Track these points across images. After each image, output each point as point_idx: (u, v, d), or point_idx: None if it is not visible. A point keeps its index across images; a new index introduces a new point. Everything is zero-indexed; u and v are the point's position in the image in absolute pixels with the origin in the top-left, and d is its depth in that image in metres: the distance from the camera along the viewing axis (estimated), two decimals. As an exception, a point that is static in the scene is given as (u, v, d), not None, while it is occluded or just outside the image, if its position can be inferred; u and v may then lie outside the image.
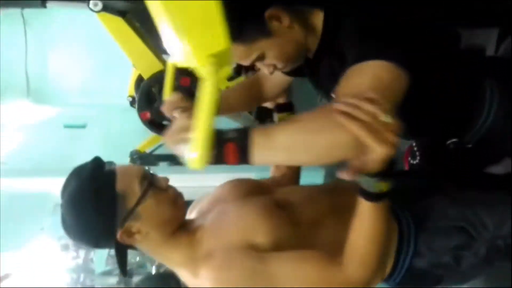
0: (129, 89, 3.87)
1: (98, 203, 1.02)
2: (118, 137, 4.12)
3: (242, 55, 1.08)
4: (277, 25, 1.05)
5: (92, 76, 4.49)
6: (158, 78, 2.46)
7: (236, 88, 1.56)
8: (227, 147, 0.86)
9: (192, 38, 0.81)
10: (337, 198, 1.19)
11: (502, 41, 1.67)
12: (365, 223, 0.94)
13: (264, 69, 1.15)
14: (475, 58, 1.38)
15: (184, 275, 1.09)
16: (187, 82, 2.49)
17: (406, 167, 1.68)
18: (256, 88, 1.51)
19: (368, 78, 0.87)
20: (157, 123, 2.62)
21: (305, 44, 1.13)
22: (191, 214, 1.31)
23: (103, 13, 2.32)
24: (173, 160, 3.13)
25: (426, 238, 1.11)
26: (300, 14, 1.10)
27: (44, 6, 4.53)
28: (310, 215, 1.15)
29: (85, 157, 1.10)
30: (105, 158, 1.11)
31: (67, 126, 4.03)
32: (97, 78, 4.48)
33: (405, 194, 1.20)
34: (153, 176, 1.12)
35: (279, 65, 1.13)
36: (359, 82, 0.87)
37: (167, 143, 0.96)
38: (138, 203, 1.03)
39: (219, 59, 0.83)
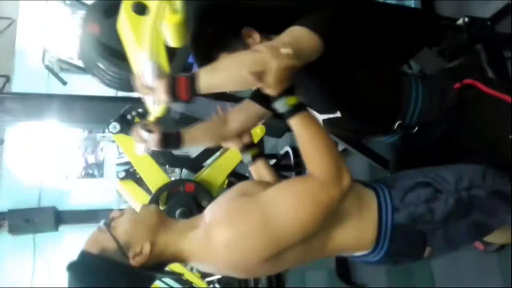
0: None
1: (100, 275, 1.08)
2: None
3: None
4: (251, 41, 1.33)
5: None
6: (165, 188, 2.69)
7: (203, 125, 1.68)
8: (178, 80, 1.13)
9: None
10: None
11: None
12: (302, 135, 1.11)
13: None
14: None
15: (204, 260, 1.13)
16: (191, 187, 2.74)
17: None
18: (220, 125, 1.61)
19: (286, 33, 1.22)
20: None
21: None
22: None
23: (119, 134, 2.76)
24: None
25: (398, 194, 1.23)
26: (266, 36, 1.42)
27: (56, 230, 4.86)
28: None
29: None
30: None
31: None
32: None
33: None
34: (107, 220, 1.17)
35: None
36: (282, 35, 1.22)
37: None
38: (115, 240, 1.09)
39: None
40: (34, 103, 3.50)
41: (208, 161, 3.08)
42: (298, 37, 1.19)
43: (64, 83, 3.51)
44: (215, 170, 2.79)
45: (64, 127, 4.34)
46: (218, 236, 1.05)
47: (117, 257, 1.07)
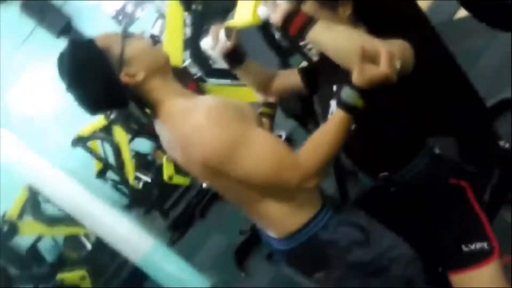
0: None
1: (93, 64, 1.13)
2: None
3: None
4: (342, 11, 1.28)
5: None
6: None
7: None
8: (300, 14, 1.15)
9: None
10: None
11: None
12: (332, 128, 1.13)
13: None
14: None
15: (169, 125, 1.18)
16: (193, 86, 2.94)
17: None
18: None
19: (398, 45, 1.17)
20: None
21: None
22: None
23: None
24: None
25: (337, 221, 1.24)
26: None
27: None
28: None
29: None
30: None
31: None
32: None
33: None
34: (127, 31, 1.22)
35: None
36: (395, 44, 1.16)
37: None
38: (123, 49, 1.14)
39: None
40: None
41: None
42: (405, 53, 1.18)
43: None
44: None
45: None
46: (198, 112, 1.12)
47: (114, 63, 1.14)
